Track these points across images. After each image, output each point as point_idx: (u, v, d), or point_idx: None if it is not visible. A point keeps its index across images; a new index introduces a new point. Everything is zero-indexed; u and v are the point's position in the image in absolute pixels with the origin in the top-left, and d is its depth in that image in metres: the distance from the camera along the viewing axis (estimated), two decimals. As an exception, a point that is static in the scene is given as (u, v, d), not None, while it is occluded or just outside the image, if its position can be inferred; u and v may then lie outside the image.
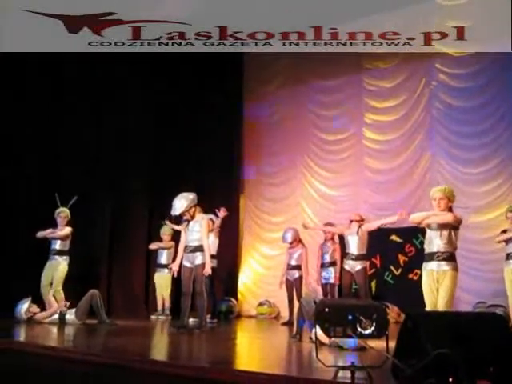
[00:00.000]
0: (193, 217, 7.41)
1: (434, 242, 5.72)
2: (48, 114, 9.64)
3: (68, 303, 8.31)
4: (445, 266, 5.65)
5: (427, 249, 5.81)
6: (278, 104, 11.92)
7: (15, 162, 9.15)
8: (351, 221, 8.54)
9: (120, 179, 10.45)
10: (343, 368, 3.54)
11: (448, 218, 5.70)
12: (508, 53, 8.67)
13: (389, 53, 10.11)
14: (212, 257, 8.15)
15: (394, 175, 10.40)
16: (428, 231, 5.82)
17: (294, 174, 11.63)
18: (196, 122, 11.29)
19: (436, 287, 5.66)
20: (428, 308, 5.71)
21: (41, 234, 8.42)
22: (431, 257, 5.72)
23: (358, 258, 8.35)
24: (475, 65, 9.59)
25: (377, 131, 10.77)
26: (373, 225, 8.45)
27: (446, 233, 5.68)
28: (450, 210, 5.81)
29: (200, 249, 7.31)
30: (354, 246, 8.38)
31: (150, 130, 10.89)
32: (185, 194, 7.44)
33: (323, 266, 9.40)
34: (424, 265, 5.81)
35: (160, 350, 6.25)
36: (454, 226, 5.72)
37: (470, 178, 9.50)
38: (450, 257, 5.68)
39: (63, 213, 8.49)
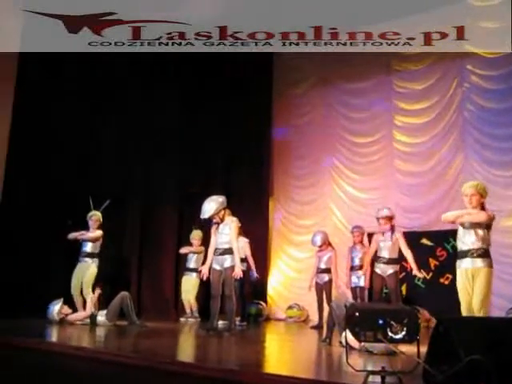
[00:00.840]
0: (222, 220, 7.43)
1: (468, 239, 5.66)
2: (77, 116, 9.75)
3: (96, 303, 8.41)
4: (479, 263, 5.58)
5: (460, 246, 5.74)
6: (307, 106, 11.91)
7: (45, 165, 9.26)
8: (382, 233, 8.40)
9: (149, 182, 10.54)
10: (373, 373, 3.51)
11: (481, 217, 5.64)
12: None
13: (419, 54, 10.05)
14: (242, 260, 8.16)
15: (425, 178, 10.29)
16: (460, 229, 5.75)
17: (323, 177, 11.58)
18: (225, 124, 11.32)
19: (471, 286, 5.59)
20: (463, 307, 5.65)
21: (72, 235, 8.56)
22: (465, 254, 5.66)
23: (389, 261, 8.26)
24: (507, 66, 9.45)
25: (407, 133, 10.67)
26: (402, 245, 8.25)
27: (479, 231, 5.62)
28: (483, 206, 5.74)
29: (229, 251, 7.34)
30: (386, 250, 8.29)
31: (178, 132, 10.94)
32: (214, 197, 7.47)
33: (353, 269, 9.33)
34: (458, 263, 5.75)
35: (189, 352, 6.28)
36: (487, 225, 5.66)
37: (503, 180, 9.34)
38: (484, 253, 5.61)
39: (95, 216, 8.60)
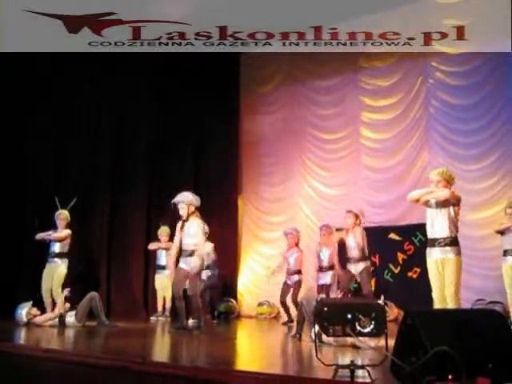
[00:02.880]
0: (187, 216, 7.40)
1: (435, 223, 5.79)
2: (46, 116, 9.68)
3: (68, 305, 8.32)
4: (449, 253, 5.75)
5: (430, 233, 5.87)
6: (276, 103, 11.94)
7: (16, 166, 9.16)
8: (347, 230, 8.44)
9: (118, 180, 10.47)
10: (342, 367, 3.55)
11: (446, 193, 5.78)
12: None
13: (385, 52, 10.14)
14: (207, 267, 8.45)
15: (391, 173, 10.40)
16: (428, 211, 5.86)
17: (292, 174, 11.62)
18: (193, 122, 11.30)
19: (442, 275, 5.75)
20: (435, 295, 5.80)
21: (39, 236, 8.47)
22: (433, 243, 5.79)
23: (360, 259, 8.26)
24: (471, 62, 9.61)
25: (374, 130, 10.77)
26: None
27: (445, 211, 5.74)
28: None
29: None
30: (355, 249, 8.27)
31: (148, 131, 10.90)
32: (191, 194, 7.51)
33: (321, 269, 9.31)
34: (428, 250, 5.90)
35: (160, 351, 6.26)
36: (453, 203, 5.75)
37: (468, 175, 9.49)
38: (452, 241, 5.76)
39: (62, 215, 8.52)
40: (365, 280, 8.28)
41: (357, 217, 8.38)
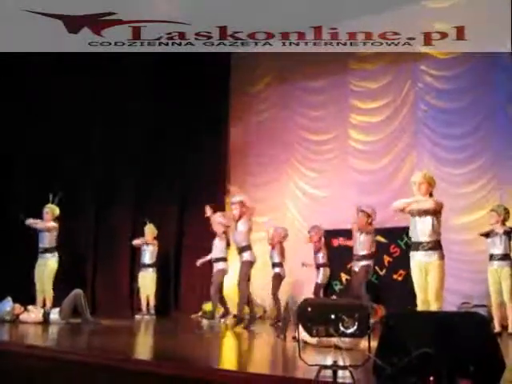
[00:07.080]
0: (240, 217, 7.89)
1: (418, 229, 5.85)
2: (38, 115, 9.70)
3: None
4: (432, 257, 5.80)
5: (413, 237, 5.95)
6: (265, 104, 11.92)
7: (4, 162, 9.15)
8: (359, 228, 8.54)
9: (105, 178, 10.44)
10: (325, 367, 3.55)
11: (429, 204, 5.84)
12: (491, 55, 8.79)
13: (375, 54, 10.17)
14: (220, 259, 8.91)
15: (379, 176, 10.41)
16: (411, 218, 5.91)
17: (280, 175, 11.61)
18: (182, 123, 11.27)
19: (425, 278, 5.81)
20: (419, 298, 5.87)
21: (29, 221, 8.52)
22: (417, 247, 5.85)
23: (362, 257, 8.36)
24: (460, 67, 9.66)
25: (362, 132, 10.79)
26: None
27: (428, 219, 5.82)
28: (431, 195, 5.93)
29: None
30: (359, 247, 8.41)
31: (136, 130, 10.87)
32: None
33: (317, 268, 9.52)
34: (411, 254, 5.96)
35: (144, 349, 6.24)
36: (435, 212, 5.81)
37: (455, 178, 9.54)
38: (435, 245, 5.82)
39: (46, 209, 8.55)
40: (359, 276, 8.32)
41: (369, 216, 8.45)
